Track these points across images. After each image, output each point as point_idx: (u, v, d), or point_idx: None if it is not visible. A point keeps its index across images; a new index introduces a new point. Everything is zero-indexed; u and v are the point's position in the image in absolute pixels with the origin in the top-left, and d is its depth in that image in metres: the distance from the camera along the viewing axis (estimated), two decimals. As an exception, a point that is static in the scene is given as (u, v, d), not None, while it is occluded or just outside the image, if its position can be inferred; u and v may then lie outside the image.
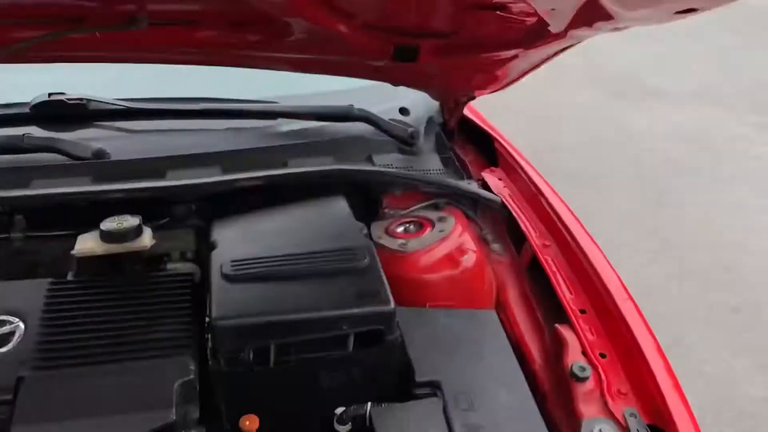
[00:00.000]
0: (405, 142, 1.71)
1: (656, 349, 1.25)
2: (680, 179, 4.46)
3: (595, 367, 1.22)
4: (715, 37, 7.26)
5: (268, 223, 1.42)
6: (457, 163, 1.79)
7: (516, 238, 1.62)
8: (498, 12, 1.22)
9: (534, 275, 1.52)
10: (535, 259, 1.52)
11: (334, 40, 1.33)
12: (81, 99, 1.66)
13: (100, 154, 1.48)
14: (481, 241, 1.60)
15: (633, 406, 1.16)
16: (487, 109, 2.13)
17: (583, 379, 1.19)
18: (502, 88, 1.63)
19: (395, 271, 1.35)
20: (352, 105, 1.69)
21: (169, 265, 1.37)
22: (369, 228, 1.47)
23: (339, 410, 1.15)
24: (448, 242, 1.45)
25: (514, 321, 1.43)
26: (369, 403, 1.13)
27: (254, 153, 1.57)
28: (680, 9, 0.82)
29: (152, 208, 1.42)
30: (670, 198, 4.23)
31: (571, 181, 3.99)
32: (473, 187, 1.66)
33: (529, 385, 1.20)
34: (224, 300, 1.16)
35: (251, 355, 1.13)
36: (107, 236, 1.27)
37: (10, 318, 1.14)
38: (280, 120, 1.72)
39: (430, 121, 1.86)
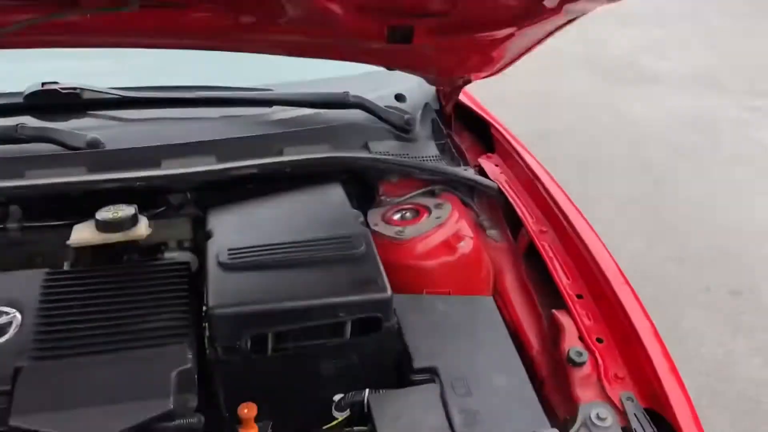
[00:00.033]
0: (401, 128, 1.70)
1: (653, 334, 1.25)
2: (679, 163, 4.45)
3: (592, 352, 1.23)
4: (715, 20, 7.23)
5: (264, 211, 1.42)
6: (453, 150, 1.79)
7: (513, 224, 1.62)
8: None
9: (531, 261, 1.52)
10: (532, 244, 1.52)
11: (328, 21, 1.31)
12: (75, 88, 1.64)
13: (94, 144, 1.47)
14: (478, 227, 1.60)
15: (630, 390, 1.17)
16: (482, 95, 2.13)
17: (580, 364, 1.20)
18: (498, 70, 1.61)
19: (392, 258, 1.35)
20: (347, 92, 1.68)
21: (166, 254, 1.38)
22: (365, 215, 1.46)
23: (337, 397, 1.16)
24: (444, 229, 1.45)
25: (511, 307, 1.43)
26: (367, 390, 1.13)
27: (250, 141, 1.56)
28: None
29: (148, 197, 1.42)
30: (668, 181, 4.22)
31: (569, 166, 3.99)
32: (470, 173, 1.66)
33: (527, 370, 1.20)
34: (221, 288, 1.16)
35: (248, 344, 1.13)
36: (103, 226, 1.28)
37: (7, 309, 1.14)
38: (275, 108, 1.71)
39: (426, 107, 1.85)
